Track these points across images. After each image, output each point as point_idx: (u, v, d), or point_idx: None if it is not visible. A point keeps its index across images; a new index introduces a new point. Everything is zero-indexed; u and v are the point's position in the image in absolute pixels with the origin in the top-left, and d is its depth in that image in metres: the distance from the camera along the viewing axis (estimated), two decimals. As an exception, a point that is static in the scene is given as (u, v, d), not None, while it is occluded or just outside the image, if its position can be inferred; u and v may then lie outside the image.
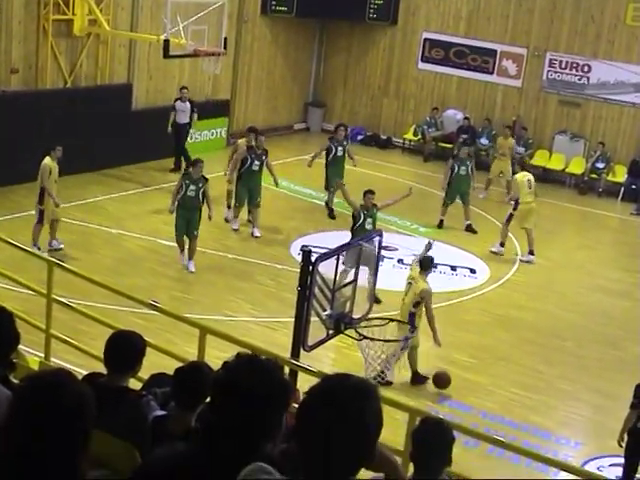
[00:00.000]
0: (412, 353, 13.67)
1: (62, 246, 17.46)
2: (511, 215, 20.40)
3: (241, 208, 20.12)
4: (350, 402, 3.02)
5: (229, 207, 20.54)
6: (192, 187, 17.49)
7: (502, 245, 20.46)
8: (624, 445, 11.36)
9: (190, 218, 17.53)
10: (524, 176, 20.76)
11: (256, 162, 19.81)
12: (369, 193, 16.93)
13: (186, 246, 17.65)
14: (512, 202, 20.52)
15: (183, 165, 23.11)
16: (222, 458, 3.35)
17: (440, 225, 21.80)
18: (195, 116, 24.22)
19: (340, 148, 22.02)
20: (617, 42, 26.67)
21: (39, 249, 16.88)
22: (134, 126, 23.56)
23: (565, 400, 14.18)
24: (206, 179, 17.65)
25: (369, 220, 16.68)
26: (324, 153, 22.02)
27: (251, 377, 3.35)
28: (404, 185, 24.09)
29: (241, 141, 20.86)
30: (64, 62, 22.69)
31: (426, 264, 13.94)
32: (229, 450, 3.34)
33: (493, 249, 20.37)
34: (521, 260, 20.19)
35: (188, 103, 24.02)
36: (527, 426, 13.11)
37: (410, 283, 13.68)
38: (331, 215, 21.96)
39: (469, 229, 21.69)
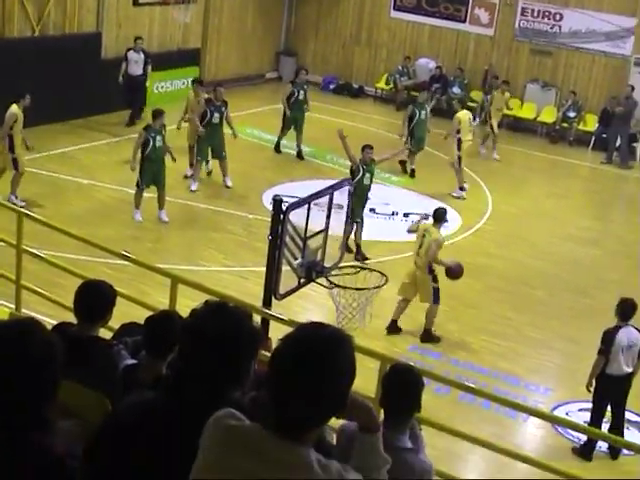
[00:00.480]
0: (431, 311, 14.00)
1: (22, 203, 17.20)
2: (459, 157, 20.73)
3: (202, 163, 19.80)
4: (323, 351, 3.04)
5: (191, 165, 20.06)
6: (159, 137, 17.39)
7: (462, 189, 20.59)
8: (592, 390, 11.52)
9: (159, 169, 17.49)
10: (466, 114, 21.34)
11: (216, 115, 19.52)
12: (367, 148, 16.79)
13: (153, 195, 17.54)
14: (455, 139, 20.91)
15: (146, 117, 22.80)
16: (191, 405, 3.38)
17: (412, 174, 21.81)
18: (149, 67, 23.62)
19: (302, 92, 22.42)
20: (589, -10, 26.62)
21: (16, 197, 16.87)
22: (103, 75, 23.29)
23: (534, 347, 14.31)
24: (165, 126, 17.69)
25: (367, 175, 16.57)
26: (286, 98, 22.37)
27: (219, 324, 3.38)
28: (377, 134, 24.13)
29: (190, 94, 20.49)
30: (31, 10, 22.38)
31: (439, 216, 14.15)
32: (197, 396, 3.37)
33: (454, 194, 20.49)
34: (452, 195, 20.61)
35: (142, 54, 23.48)
36: (497, 373, 13.24)
37: (424, 235, 13.88)
38: (277, 150, 22.71)
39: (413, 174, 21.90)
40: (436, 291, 13.98)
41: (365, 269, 11.57)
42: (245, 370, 3.45)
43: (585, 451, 11.51)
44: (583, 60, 27.18)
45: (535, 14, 27.51)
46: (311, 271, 10.93)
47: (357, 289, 11.21)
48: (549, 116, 27.32)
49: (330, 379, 3.03)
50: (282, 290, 10.57)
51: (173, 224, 17.66)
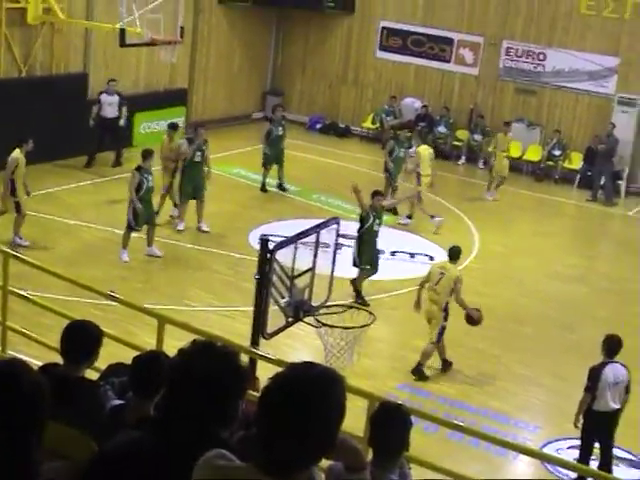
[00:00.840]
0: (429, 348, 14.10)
1: (27, 243, 17.29)
2: (419, 192, 21.12)
3: (187, 203, 19.54)
4: (312, 391, 3.02)
5: (175, 205, 19.96)
6: (150, 178, 17.47)
7: (432, 217, 20.98)
8: (580, 427, 11.49)
9: (151, 209, 17.77)
10: (426, 149, 21.80)
11: (198, 153, 19.54)
12: (378, 195, 16.85)
13: (140, 235, 17.58)
14: (415, 174, 21.42)
15: (130, 159, 22.79)
16: (177, 445, 3.36)
17: (395, 212, 21.78)
18: (124, 109, 23.48)
19: (280, 128, 22.69)
20: (572, 30, 26.89)
21: (20, 239, 16.95)
22: (90, 116, 23.32)
23: (523, 385, 14.29)
24: None
25: (377, 221, 16.61)
26: (265, 135, 22.70)
27: (206, 363, 3.37)
28: (363, 173, 24.21)
29: (165, 139, 20.28)
30: (18, 51, 22.48)
31: (455, 254, 14.41)
32: (185, 436, 3.35)
33: (434, 222, 20.86)
34: (399, 223, 21.08)
35: (116, 96, 23.34)
36: (486, 411, 13.21)
37: (442, 273, 14.02)
38: (263, 189, 22.77)
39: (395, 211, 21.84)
40: (442, 330, 14.08)
41: (352, 308, 11.56)
42: (233, 410, 3.43)
43: None
44: (567, 99, 27.38)
45: (519, 54, 27.73)
46: (299, 310, 10.92)
47: (345, 328, 11.20)
48: (534, 154, 27.46)
49: (319, 419, 3.01)
50: (270, 329, 10.55)
51: (160, 264, 17.65)
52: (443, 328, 14.10)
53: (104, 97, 23.21)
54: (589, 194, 25.53)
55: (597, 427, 11.48)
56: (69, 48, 23.85)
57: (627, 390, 11.51)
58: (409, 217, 21.29)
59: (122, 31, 21.47)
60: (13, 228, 17.18)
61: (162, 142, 20.27)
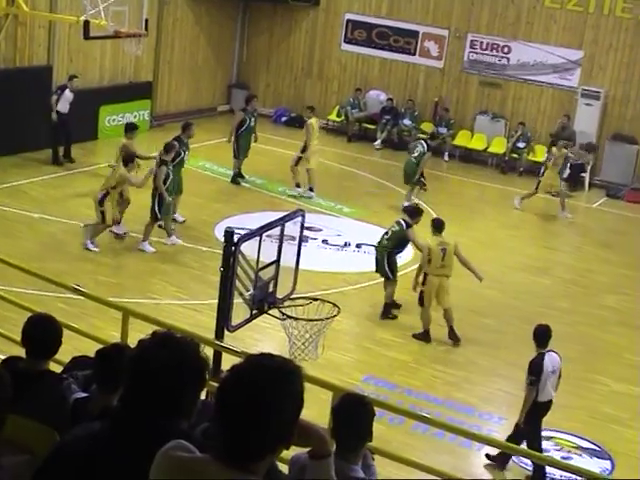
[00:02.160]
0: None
1: None
2: (299, 158, 22.01)
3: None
4: (268, 381, 3.04)
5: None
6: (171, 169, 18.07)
7: (298, 186, 22.06)
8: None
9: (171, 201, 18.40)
10: (317, 121, 22.67)
11: (187, 153, 19.49)
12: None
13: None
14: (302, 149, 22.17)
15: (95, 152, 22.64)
16: (136, 436, 3.37)
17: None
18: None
19: (253, 119, 22.73)
20: (536, 24, 27.03)
21: None
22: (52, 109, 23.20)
23: (487, 376, 14.40)
24: None
25: None
26: (237, 125, 22.59)
27: (165, 354, 3.38)
28: (328, 166, 24.26)
29: (126, 141, 19.29)
30: (-19, 44, 22.35)
31: (442, 225, 15.37)
32: (143, 428, 3.37)
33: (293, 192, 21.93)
34: (301, 195, 21.82)
35: (73, 95, 22.79)
36: (451, 402, 13.29)
37: (444, 248, 15.04)
38: (236, 181, 22.77)
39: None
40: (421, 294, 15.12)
41: (317, 300, 11.58)
42: (191, 401, 3.45)
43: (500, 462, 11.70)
44: (531, 92, 27.54)
45: (484, 47, 27.84)
46: (263, 303, 10.94)
47: (309, 320, 11.23)
48: (499, 147, 27.60)
49: (276, 409, 3.03)
50: (234, 322, 10.57)
51: (126, 257, 17.62)
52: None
53: (67, 93, 22.74)
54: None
55: (532, 417, 11.58)
56: (33, 40, 23.71)
57: (559, 375, 11.76)
58: (311, 189, 22.26)
59: (86, 24, 21.33)
60: None
61: (122, 145, 19.05)
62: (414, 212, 16.23)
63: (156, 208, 17.73)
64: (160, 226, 18.23)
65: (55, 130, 22.62)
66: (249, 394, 3.02)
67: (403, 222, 15.91)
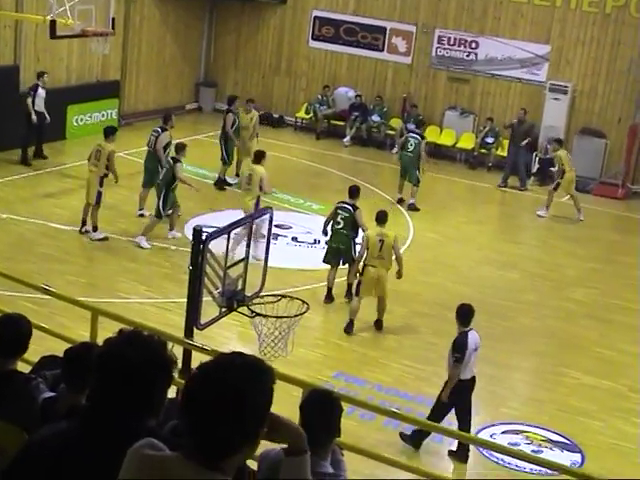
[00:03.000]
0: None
1: None
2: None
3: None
4: (236, 381, 3.06)
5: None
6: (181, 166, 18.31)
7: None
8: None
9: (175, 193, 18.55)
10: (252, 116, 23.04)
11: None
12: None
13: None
14: None
15: (63, 152, 22.60)
16: (104, 434, 3.38)
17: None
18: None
19: (236, 119, 22.66)
20: (503, 18, 27.17)
21: None
22: (21, 109, 23.05)
23: (457, 371, 14.43)
24: None
25: None
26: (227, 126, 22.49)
27: (131, 352, 3.39)
28: (297, 163, 24.30)
29: (109, 144, 18.47)
30: (-53, 44, 22.19)
31: (384, 217, 15.46)
32: (110, 426, 3.38)
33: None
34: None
35: (45, 90, 22.83)
36: (421, 397, 13.30)
37: (382, 240, 15.08)
38: (222, 186, 22.59)
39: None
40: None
41: (286, 297, 11.61)
42: (159, 399, 3.46)
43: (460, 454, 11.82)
44: (499, 87, 27.67)
45: (451, 42, 27.94)
46: (232, 300, 10.96)
47: (278, 317, 11.25)
48: (468, 142, 27.72)
49: (244, 406, 3.05)
50: (204, 320, 10.58)
51: (95, 256, 17.58)
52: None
53: (41, 91, 22.74)
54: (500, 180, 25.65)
55: (460, 394, 11.79)
56: (-1, 40, 23.59)
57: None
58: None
59: (52, 23, 21.21)
60: None
61: (106, 150, 18.26)
62: (356, 191, 16.52)
63: (161, 205, 17.97)
64: (167, 216, 18.53)
65: (30, 130, 22.53)
66: (218, 391, 3.03)
67: (349, 206, 16.23)
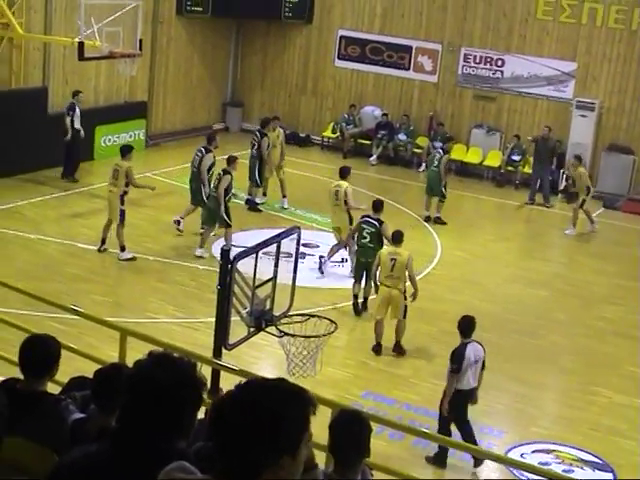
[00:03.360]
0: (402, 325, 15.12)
1: None
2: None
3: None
4: (273, 404, 3.03)
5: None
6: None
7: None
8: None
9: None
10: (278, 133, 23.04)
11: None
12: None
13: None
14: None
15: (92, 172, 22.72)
16: (134, 456, 3.37)
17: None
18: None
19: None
20: (529, 36, 27.12)
21: None
22: (51, 130, 23.26)
23: (486, 389, 14.28)
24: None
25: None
26: (257, 146, 22.39)
27: (162, 374, 3.37)
28: (324, 182, 24.27)
29: (126, 163, 18.53)
30: (-23, 66, 22.40)
31: (400, 237, 15.33)
32: (141, 448, 3.36)
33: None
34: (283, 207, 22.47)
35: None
36: (450, 417, 13.24)
37: (394, 259, 14.93)
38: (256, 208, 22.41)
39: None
40: (405, 308, 15.02)
41: (314, 317, 11.58)
42: (189, 421, 3.44)
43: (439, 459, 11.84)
44: (526, 104, 27.60)
45: (477, 60, 27.92)
46: (260, 320, 10.93)
47: (307, 337, 11.22)
48: (494, 160, 27.63)
49: (274, 429, 3.03)
50: (232, 340, 10.56)
51: (123, 276, 17.64)
52: (405, 307, 15.02)
53: (77, 109, 23.10)
54: (527, 197, 25.58)
55: (457, 405, 11.93)
56: (28, 62, 23.77)
57: (483, 366, 12.16)
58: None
59: (81, 45, 21.42)
60: None
61: (123, 168, 18.31)
62: (379, 205, 16.72)
63: (224, 215, 18.55)
64: (201, 234, 18.95)
65: (69, 148, 22.90)
66: (248, 412, 3.00)
67: (374, 221, 16.44)
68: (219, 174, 18.71)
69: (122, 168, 18.20)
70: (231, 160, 18.87)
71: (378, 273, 15.19)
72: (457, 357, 11.89)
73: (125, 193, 18.16)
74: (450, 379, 11.90)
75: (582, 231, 22.96)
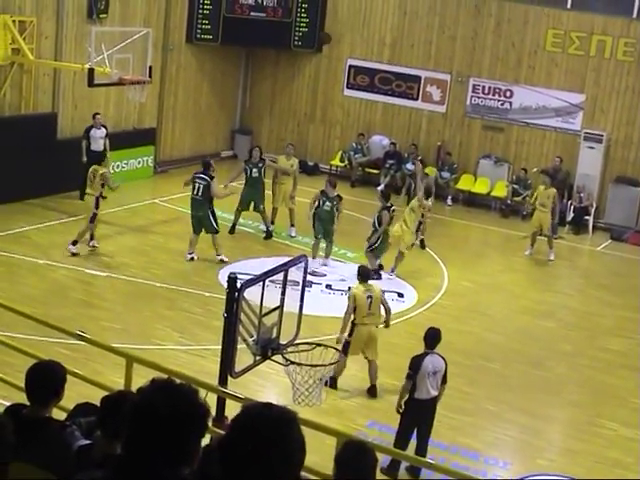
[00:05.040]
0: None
1: None
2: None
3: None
4: (270, 433, 3.06)
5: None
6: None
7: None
8: (401, 413, 12.22)
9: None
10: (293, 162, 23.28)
11: (254, 170, 22.17)
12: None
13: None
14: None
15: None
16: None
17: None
18: (107, 141, 23.50)
19: (255, 170, 22.37)
20: (537, 67, 27.21)
21: None
22: (59, 155, 23.36)
23: (492, 420, 14.34)
24: None
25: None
26: (242, 176, 22.53)
27: (164, 401, 3.37)
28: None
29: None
30: (-13, 91, 22.51)
31: (367, 273, 15.22)
32: (144, 475, 3.36)
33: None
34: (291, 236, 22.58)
35: (103, 129, 23.54)
36: (456, 447, 13.21)
37: (370, 296, 14.55)
38: (232, 231, 22.33)
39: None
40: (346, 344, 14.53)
41: (321, 345, 11.58)
42: (193, 447, 3.44)
43: (391, 469, 11.98)
44: (534, 135, 27.65)
45: (486, 91, 28.00)
46: (267, 348, 10.94)
47: (313, 366, 11.21)
48: (502, 191, 27.64)
49: (277, 459, 3.05)
50: (238, 368, 10.57)
51: (130, 302, 17.63)
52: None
53: (94, 131, 23.30)
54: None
55: (418, 415, 12.17)
56: (38, 88, 23.89)
57: (444, 380, 12.33)
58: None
59: (91, 71, 21.55)
60: None
61: (96, 170, 19.64)
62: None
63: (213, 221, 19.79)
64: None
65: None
66: (253, 445, 3.03)
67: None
68: (207, 181, 19.65)
69: (98, 172, 19.37)
70: (209, 164, 20.00)
71: (353, 315, 14.53)
72: (414, 365, 12.08)
73: (101, 195, 19.49)
74: (405, 384, 12.15)
75: (591, 263, 22.89)
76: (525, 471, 12.85)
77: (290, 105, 30.89)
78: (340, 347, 13.88)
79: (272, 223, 22.68)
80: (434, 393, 12.15)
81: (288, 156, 23.09)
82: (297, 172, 23.28)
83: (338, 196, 20.76)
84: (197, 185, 19.76)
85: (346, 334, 14.44)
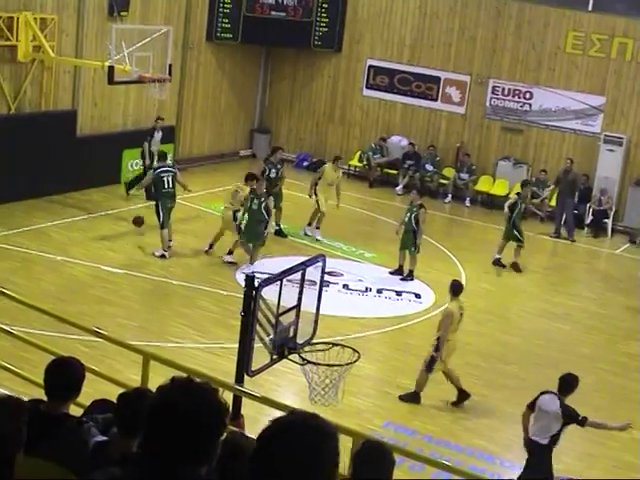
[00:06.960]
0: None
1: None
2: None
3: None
4: (310, 442, 3.08)
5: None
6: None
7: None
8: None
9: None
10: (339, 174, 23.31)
11: (273, 170, 22.26)
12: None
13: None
14: None
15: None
16: (157, 481, 3.37)
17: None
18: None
19: (274, 170, 22.34)
20: (558, 69, 27.12)
21: None
22: (79, 152, 23.45)
23: (509, 423, 14.25)
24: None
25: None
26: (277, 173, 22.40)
27: (184, 400, 3.36)
28: (350, 211, 24.31)
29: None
30: (8, 88, 22.57)
31: (460, 288, 14.94)
32: (163, 474, 3.35)
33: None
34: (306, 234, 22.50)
35: (160, 132, 24.42)
36: (471, 450, 13.18)
37: (461, 313, 14.58)
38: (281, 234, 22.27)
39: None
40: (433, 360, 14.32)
41: (338, 345, 11.55)
42: (212, 446, 3.43)
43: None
44: (554, 138, 27.56)
45: (505, 92, 27.94)
46: (283, 348, 10.92)
47: (329, 365, 11.19)
48: (521, 193, 27.49)
49: (313, 469, 3.07)
50: (254, 367, 10.55)
51: (147, 300, 17.68)
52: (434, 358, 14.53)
53: (157, 134, 24.20)
54: (552, 230, 25.50)
55: None
56: (58, 85, 23.95)
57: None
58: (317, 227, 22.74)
59: (111, 69, 21.59)
60: None
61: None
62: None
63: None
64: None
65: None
66: (293, 452, 3.06)
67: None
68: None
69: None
70: (252, 177, 19.86)
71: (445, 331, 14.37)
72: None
73: None
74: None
75: (609, 266, 22.77)
76: (541, 474, 12.77)
77: (309, 105, 30.88)
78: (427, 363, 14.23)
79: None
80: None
81: (335, 168, 23.01)
82: (340, 185, 23.18)
83: (420, 205, 20.38)
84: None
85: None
